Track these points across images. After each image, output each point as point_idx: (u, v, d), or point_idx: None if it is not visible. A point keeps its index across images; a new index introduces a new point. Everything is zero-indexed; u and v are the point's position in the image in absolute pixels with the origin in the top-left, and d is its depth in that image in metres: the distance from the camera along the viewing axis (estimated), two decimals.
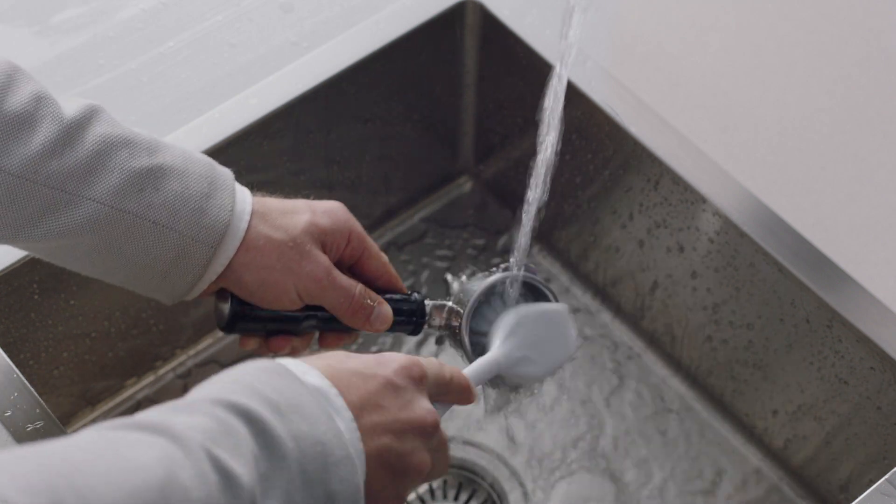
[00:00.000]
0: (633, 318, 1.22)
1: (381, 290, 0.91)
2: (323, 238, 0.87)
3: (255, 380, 0.67)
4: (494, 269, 0.94)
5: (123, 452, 0.59)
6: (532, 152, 1.23)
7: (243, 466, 0.61)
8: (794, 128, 1.15)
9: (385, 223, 1.28)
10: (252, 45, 1.15)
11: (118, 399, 1.17)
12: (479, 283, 0.92)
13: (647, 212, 1.14)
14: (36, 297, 1.05)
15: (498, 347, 0.88)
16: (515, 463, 1.16)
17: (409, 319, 0.92)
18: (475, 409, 1.18)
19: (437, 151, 1.29)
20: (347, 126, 1.18)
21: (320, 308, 0.88)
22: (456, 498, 1.16)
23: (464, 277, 0.94)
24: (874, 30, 1.22)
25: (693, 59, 1.18)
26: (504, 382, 0.90)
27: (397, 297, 0.92)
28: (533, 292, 0.94)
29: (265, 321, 0.88)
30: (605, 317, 1.23)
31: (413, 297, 0.92)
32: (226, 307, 0.87)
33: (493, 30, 1.17)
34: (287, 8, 1.18)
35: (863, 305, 1.02)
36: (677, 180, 1.09)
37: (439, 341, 1.23)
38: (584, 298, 1.24)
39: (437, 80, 1.22)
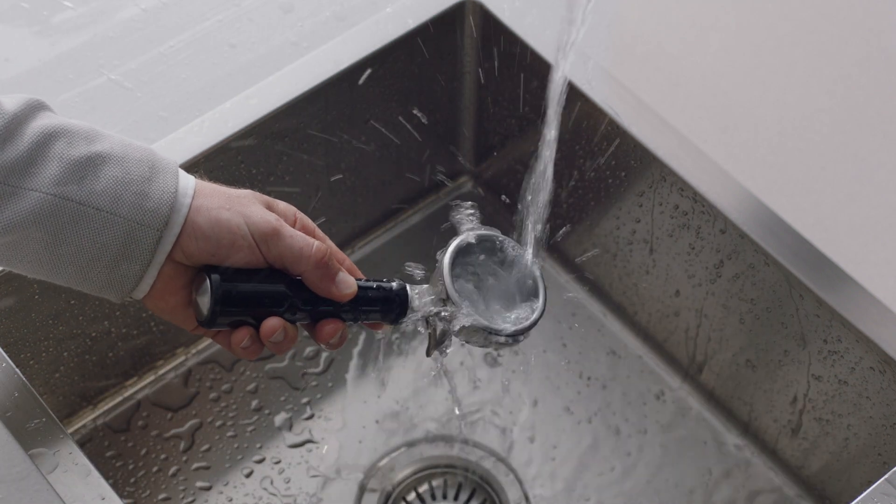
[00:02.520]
0: (631, 317, 1.22)
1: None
2: (268, 205, 0.87)
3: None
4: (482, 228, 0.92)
5: None
6: (531, 152, 1.23)
7: None
8: (794, 128, 1.15)
9: (385, 223, 1.28)
10: (252, 45, 1.15)
11: (118, 399, 1.17)
12: (446, 254, 0.90)
13: (647, 212, 1.14)
14: (36, 297, 1.05)
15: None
16: (515, 463, 1.16)
17: (391, 306, 0.89)
18: (474, 410, 1.18)
19: (437, 152, 1.29)
20: (347, 126, 1.18)
21: (299, 284, 0.86)
22: (456, 498, 1.16)
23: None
24: (874, 30, 1.22)
25: (693, 59, 1.18)
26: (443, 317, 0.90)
27: (377, 281, 0.90)
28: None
29: (248, 301, 0.85)
30: (604, 316, 1.23)
31: (393, 284, 0.90)
32: (204, 299, 0.85)
33: (493, 30, 1.17)
34: (287, 8, 1.18)
35: (863, 305, 1.02)
36: (677, 180, 1.09)
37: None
38: (582, 296, 1.24)
39: (438, 80, 1.22)
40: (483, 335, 0.89)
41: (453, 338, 0.91)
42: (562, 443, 1.17)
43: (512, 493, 1.14)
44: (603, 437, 1.17)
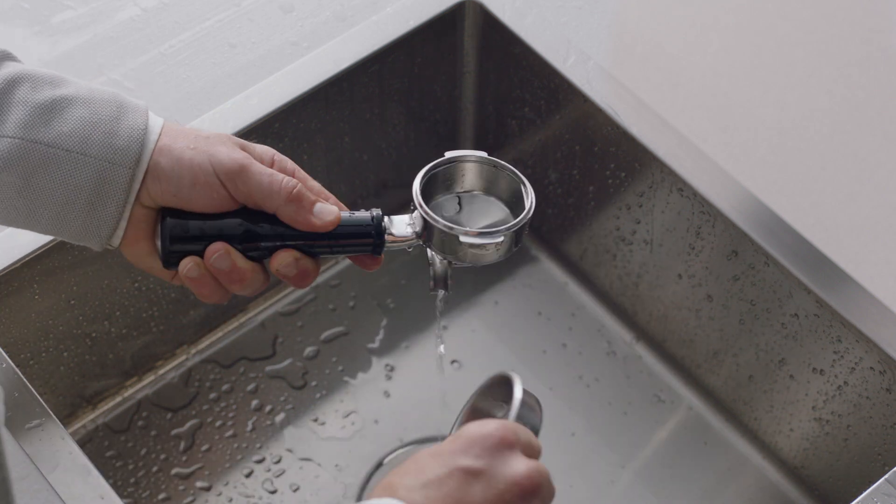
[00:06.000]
0: (632, 318, 1.22)
1: None
2: (242, 146, 0.85)
3: None
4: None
5: None
6: (531, 152, 1.23)
7: None
8: (794, 128, 1.15)
9: None
10: (252, 45, 1.15)
11: (118, 399, 1.17)
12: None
13: (647, 212, 1.14)
14: (36, 297, 1.05)
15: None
16: None
17: (366, 229, 0.86)
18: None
19: (438, 151, 1.29)
20: (347, 126, 1.18)
21: (270, 221, 0.84)
22: None
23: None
24: (874, 30, 1.22)
25: (693, 59, 1.18)
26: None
27: (352, 212, 0.87)
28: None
29: (200, 237, 0.83)
30: (604, 316, 1.23)
31: (370, 212, 0.87)
32: (159, 240, 0.83)
33: (493, 30, 1.17)
34: (287, 8, 1.18)
35: (863, 305, 1.02)
36: (677, 180, 1.09)
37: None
38: (584, 298, 1.24)
39: (437, 80, 1.22)
40: (455, 241, 0.86)
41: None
42: (561, 443, 1.17)
43: None
44: (602, 437, 1.17)
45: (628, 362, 1.21)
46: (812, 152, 1.13)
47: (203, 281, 0.85)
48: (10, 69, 0.82)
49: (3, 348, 0.97)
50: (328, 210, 0.85)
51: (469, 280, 1.25)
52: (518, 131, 1.23)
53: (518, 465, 0.73)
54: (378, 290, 1.25)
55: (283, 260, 0.85)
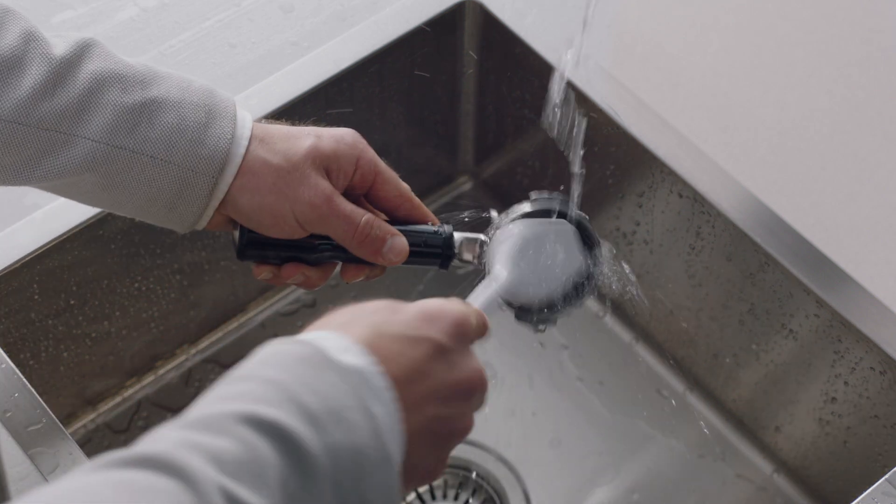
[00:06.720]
0: (631, 318, 1.22)
1: (403, 221, 0.88)
2: (326, 164, 0.85)
3: (292, 379, 0.63)
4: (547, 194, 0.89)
5: None
6: (531, 152, 1.23)
7: (266, 497, 0.58)
8: (794, 128, 1.15)
9: None
10: (252, 45, 1.15)
11: (118, 399, 1.17)
12: (509, 215, 0.88)
13: (647, 212, 1.14)
14: (36, 297, 1.05)
15: (495, 269, 0.86)
16: (516, 463, 1.16)
17: (436, 252, 0.88)
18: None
19: (438, 152, 1.29)
20: (347, 126, 1.18)
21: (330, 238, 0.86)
22: (456, 498, 1.16)
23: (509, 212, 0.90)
24: (874, 30, 1.22)
25: (693, 59, 1.18)
26: (521, 312, 0.86)
27: (423, 228, 0.88)
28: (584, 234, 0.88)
29: (277, 248, 0.86)
30: (604, 316, 1.23)
31: (441, 230, 0.89)
32: (237, 234, 0.85)
33: (493, 30, 1.17)
34: (287, 8, 1.18)
35: (863, 305, 1.02)
36: (677, 180, 1.09)
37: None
38: None
39: (437, 80, 1.22)
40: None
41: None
42: (562, 443, 1.17)
43: (513, 493, 1.14)
44: (603, 437, 1.17)
45: (629, 363, 1.21)
46: (812, 152, 1.13)
47: (275, 281, 0.88)
48: (99, 64, 0.81)
49: (3, 348, 0.97)
50: (397, 249, 0.86)
51: (469, 281, 1.25)
52: (518, 131, 1.23)
53: (475, 361, 0.72)
54: (378, 291, 1.25)
55: (353, 275, 0.88)
